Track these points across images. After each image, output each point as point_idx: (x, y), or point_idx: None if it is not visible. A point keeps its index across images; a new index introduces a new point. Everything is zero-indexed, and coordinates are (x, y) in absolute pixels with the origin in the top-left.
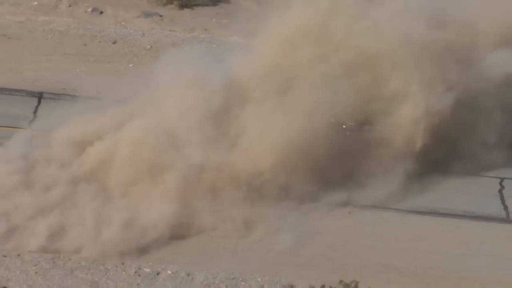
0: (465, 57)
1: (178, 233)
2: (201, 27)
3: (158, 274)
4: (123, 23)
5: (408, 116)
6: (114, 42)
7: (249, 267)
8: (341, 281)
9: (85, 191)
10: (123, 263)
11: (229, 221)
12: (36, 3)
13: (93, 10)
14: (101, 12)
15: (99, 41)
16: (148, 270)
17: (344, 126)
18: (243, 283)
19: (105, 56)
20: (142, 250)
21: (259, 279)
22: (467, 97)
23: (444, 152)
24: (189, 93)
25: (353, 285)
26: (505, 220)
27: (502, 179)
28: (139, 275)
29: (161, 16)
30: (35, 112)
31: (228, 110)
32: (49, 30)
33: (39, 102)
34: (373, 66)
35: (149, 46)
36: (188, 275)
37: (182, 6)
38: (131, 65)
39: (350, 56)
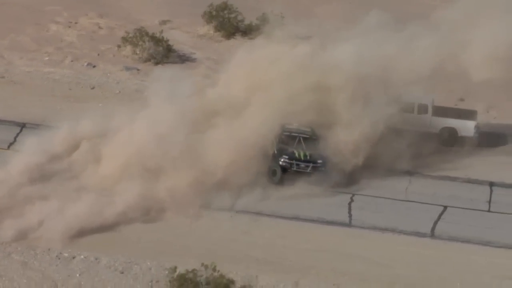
0: (389, 90)
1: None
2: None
3: (74, 258)
4: (108, 74)
5: (354, 136)
6: (93, 88)
7: (144, 254)
8: (202, 264)
9: (69, 184)
10: (49, 249)
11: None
12: (47, 58)
13: (88, 64)
14: (94, 66)
15: (82, 87)
16: (66, 255)
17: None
18: (135, 266)
19: (82, 98)
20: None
21: (149, 263)
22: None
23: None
24: (172, 109)
25: (212, 266)
26: (347, 225)
27: (353, 194)
28: (59, 258)
29: (138, 70)
30: (15, 137)
31: (202, 123)
32: (46, 78)
33: (21, 130)
34: (328, 94)
35: (118, 91)
36: (96, 259)
37: (157, 63)
38: (100, 104)
39: (311, 84)
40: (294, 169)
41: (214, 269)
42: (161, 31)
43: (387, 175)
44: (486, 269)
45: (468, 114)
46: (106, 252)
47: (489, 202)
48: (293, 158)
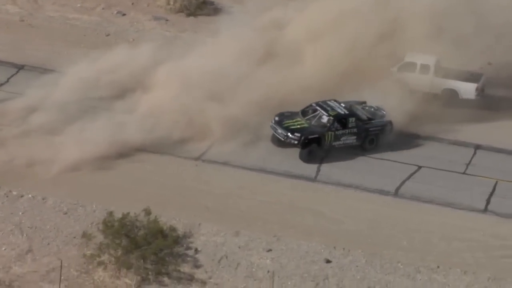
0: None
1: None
2: (192, 30)
3: (22, 196)
4: (134, 23)
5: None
6: (107, 35)
7: (94, 197)
8: (144, 209)
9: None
10: None
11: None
12: (79, 5)
13: (117, 13)
14: (124, 14)
15: (97, 34)
16: (15, 193)
17: None
18: (80, 208)
19: (94, 44)
20: None
21: (94, 206)
22: None
23: None
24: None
25: (148, 212)
26: (312, 180)
27: (329, 151)
28: (7, 196)
29: (167, 20)
30: (9, 78)
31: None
32: (65, 23)
33: (17, 72)
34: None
35: (131, 40)
36: (43, 199)
37: (189, 15)
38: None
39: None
40: (273, 132)
41: (148, 213)
42: None
43: None
44: (438, 230)
45: (471, 77)
46: (56, 194)
47: (468, 164)
48: (279, 123)
